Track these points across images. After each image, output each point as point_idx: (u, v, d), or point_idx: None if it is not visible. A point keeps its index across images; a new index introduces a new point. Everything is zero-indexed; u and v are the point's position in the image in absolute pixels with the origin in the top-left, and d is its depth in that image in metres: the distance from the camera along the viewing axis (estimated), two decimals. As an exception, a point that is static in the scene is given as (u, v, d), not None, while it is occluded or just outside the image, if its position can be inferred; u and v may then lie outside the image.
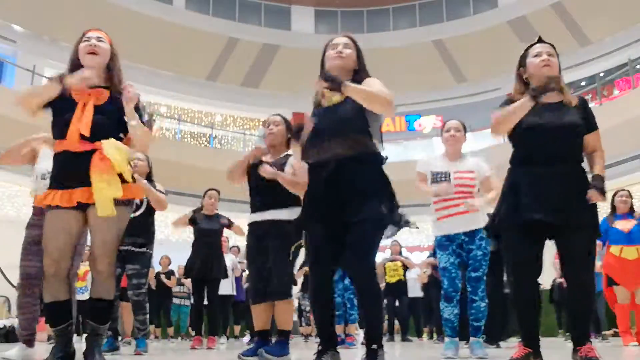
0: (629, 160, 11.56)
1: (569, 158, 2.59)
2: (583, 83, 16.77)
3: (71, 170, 2.48)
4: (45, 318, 2.59)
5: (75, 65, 2.63)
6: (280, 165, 3.43)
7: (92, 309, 2.55)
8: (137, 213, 4.39)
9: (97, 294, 2.52)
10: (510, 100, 2.67)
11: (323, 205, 2.51)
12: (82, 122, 2.49)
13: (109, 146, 2.48)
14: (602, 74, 15.79)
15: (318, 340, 2.61)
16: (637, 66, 14.66)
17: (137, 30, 15.85)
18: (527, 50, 2.72)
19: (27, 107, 2.54)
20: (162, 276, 9.49)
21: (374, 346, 2.41)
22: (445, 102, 17.99)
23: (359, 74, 2.62)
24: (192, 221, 5.80)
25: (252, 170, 3.50)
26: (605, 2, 15.00)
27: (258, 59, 17.85)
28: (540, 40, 2.72)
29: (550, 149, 2.56)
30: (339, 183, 2.48)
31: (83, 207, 2.50)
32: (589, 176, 2.61)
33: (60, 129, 2.53)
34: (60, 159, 2.54)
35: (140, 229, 4.36)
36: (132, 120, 2.59)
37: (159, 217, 4.86)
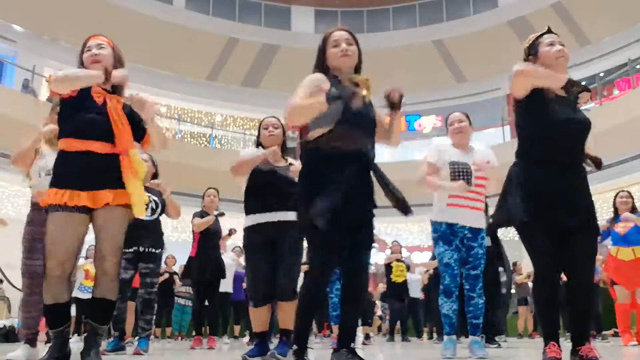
0: (629, 160, 11.55)
1: (581, 157, 2.60)
2: (583, 83, 16.73)
3: (96, 172, 2.48)
4: (45, 319, 2.58)
5: None
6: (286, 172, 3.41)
7: (95, 308, 2.54)
8: (154, 216, 4.47)
9: (102, 294, 2.51)
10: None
11: (351, 199, 2.42)
12: (123, 127, 2.55)
13: (134, 154, 2.56)
14: (602, 74, 15.79)
15: (294, 341, 2.57)
16: (637, 66, 14.66)
17: (137, 30, 15.85)
18: (537, 39, 2.70)
19: (67, 89, 2.52)
20: (175, 277, 9.52)
21: (353, 344, 2.50)
22: (445, 102, 17.97)
23: (358, 70, 2.64)
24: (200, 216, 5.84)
25: (259, 172, 3.41)
26: (605, 2, 15.01)
27: (258, 59, 17.86)
28: (549, 31, 2.72)
29: (573, 147, 2.56)
30: (365, 178, 2.51)
31: (88, 210, 2.49)
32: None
33: (80, 127, 2.50)
34: (79, 159, 2.48)
35: (155, 231, 4.53)
36: (150, 120, 2.68)
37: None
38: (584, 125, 2.59)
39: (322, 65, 2.60)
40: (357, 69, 2.64)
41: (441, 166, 3.63)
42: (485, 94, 17.34)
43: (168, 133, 16.99)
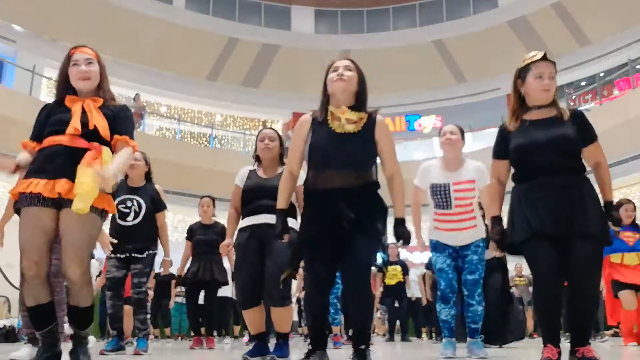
0: (629, 160, 11.54)
1: (563, 170, 2.58)
2: (583, 83, 16.78)
3: (60, 163, 2.43)
4: (31, 322, 2.56)
5: (64, 86, 2.65)
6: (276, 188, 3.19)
7: (71, 315, 2.52)
8: (136, 221, 4.38)
9: (74, 302, 2.48)
10: (502, 131, 2.76)
11: (326, 224, 2.55)
12: (87, 119, 2.51)
13: (107, 153, 2.49)
14: (602, 74, 15.78)
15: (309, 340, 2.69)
16: (637, 66, 14.65)
17: (137, 30, 15.85)
18: (530, 64, 2.68)
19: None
20: (173, 282, 9.49)
21: (363, 346, 2.53)
22: (445, 102, 17.98)
23: (360, 96, 2.65)
24: (190, 234, 5.85)
25: (250, 190, 3.49)
26: (605, 2, 15.00)
27: (258, 59, 17.85)
28: (544, 57, 2.67)
29: (541, 163, 2.58)
30: (342, 208, 2.53)
31: (58, 205, 2.43)
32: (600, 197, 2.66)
33: (53, 128, 2.52)
34: (50, 151, 2.48)
35: (140, 235, 4.40)
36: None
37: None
38: (558, 140, 2.58)
39: (325, 92, 2.67)
40: (361, 99, 2.64)
41: (425, 188, 3.78)
42: (485, 94, 17.34)
43: (168, 132, 16.95)
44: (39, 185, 2.39)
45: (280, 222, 2.67)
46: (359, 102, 2.63)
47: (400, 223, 2.60)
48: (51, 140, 2.50)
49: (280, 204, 2.73)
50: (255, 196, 3.43)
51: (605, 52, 15.97)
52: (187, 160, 13.95)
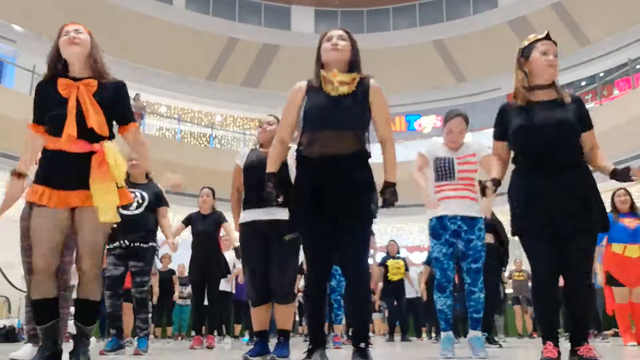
0: (629, 160, 11.53)
1: (567, 158, 2.58)
2: (583, 83, 16.78)
3: (68, 172, 2.45)
4: (33, 316, 2.58)
5: (56, 59, 2.66)
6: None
7: (78, 309, 2.54)
8: (139, 210, 4.41)
9: (83, 295, 2.51)
10: (502, 111, 2.78)
11: (321, 201, 2.50)
12: (83, 116, 2.47)
13: (110, 151, 2.48)
14: (602, 74, 15.79)
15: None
16: (637, 66, 14.66)
17: (137, 30, 15.85)
18: (534, 41, 2.72)
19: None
20: (174, 278, 9.54)
21: (362, 345, 2.49)
22: (445, 102, 17.95)
23: (354, 66, 2.65)
24: (188, 221, 5.83)
25: (251, 167, 3.49)
26: (605, 2, 15.00)
27: (258, 59, 17.86)
28: (547, 37, 2.73)
29: (544, 148, 2.57)
30: (338, 180, 2.50)
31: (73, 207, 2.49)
32: (605, 173, 2.67)
33: (52, 125, 2.49)
34: (54, 158, 2.48)
35: (143, 225, 4.44)
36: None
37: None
38: (560, 124, 2.59)
39: (318, 61, 2.67)
40: (354, 66, 2.64)
41: (429, 158, 3.79)
42: (485, 94, 17.33)
43: (168, 132, 16.96)
44: (51, 200, 2.43)
45: (272, 185, 2.59)
46: (352, 67, 2.63)
47: (389, 187, 2.57)
48: (52, 145, 2.49)
49: (271, 168, 2.66)
50: (256, 174, 3.28)
51: (605, 52, 15.98)
52: (187, 160, 13.95)
